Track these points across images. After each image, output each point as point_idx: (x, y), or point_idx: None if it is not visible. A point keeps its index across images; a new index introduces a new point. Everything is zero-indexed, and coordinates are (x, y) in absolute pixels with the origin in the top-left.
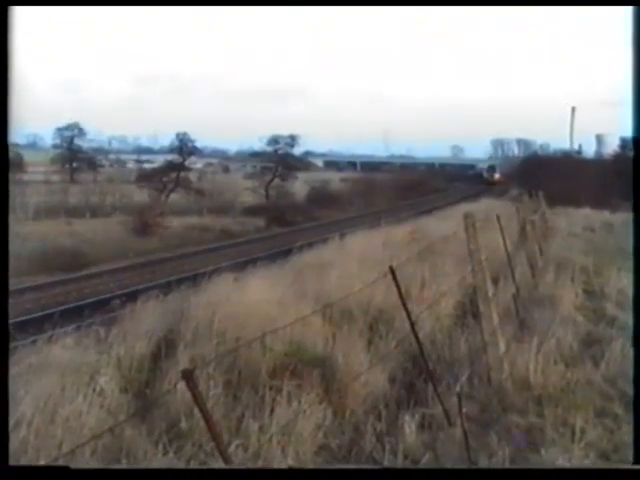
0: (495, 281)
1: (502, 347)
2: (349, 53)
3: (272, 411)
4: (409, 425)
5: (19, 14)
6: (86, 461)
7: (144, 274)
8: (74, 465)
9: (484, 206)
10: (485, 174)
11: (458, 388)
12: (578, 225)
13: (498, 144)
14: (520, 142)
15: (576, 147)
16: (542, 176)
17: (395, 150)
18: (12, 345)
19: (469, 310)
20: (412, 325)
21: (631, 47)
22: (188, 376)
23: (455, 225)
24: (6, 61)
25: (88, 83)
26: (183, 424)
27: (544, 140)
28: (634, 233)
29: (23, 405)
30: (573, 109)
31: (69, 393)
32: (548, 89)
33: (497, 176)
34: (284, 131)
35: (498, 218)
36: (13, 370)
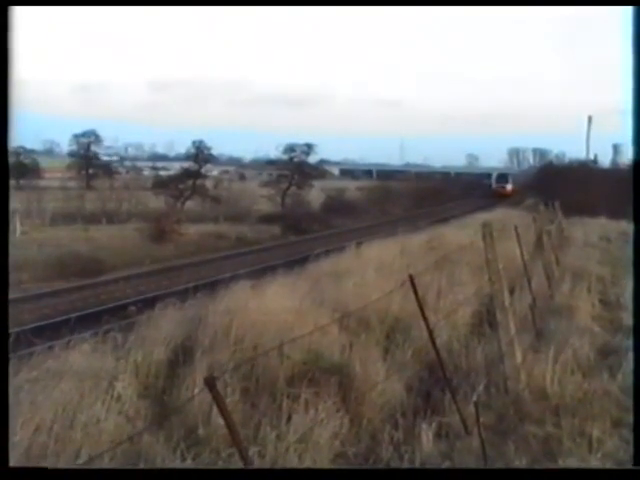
0: (511, 291)
1: (519, 357)
2: (365, 61)
3: (289, 419)
4: (426, 434)
5: (23, 15)
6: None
7: (161, 281)
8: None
9: (500, 215)
10: (494, 185)
11: (475, 397)
12: (594, 235)
13: (514, 153)
14: (536, 151)
15: (592, 156)
16: (558, 185)
17: (411, 159)
18: (30, 350)
19: (486, 319)
20: (430, 334)
21: (631, 47)
22: (211, 383)
23: (472, 234)
24: (6, 61)
25: (105, 90)
26: (201, 431)
27: (560, 149)
28: (634, 240)
29: (42, 410)
30: (590, 118)
31: (87, 399)
32: (565, 98)
33: (509, 187)
34: (299, 139)
35: (515, 228)
36: (31, 375)
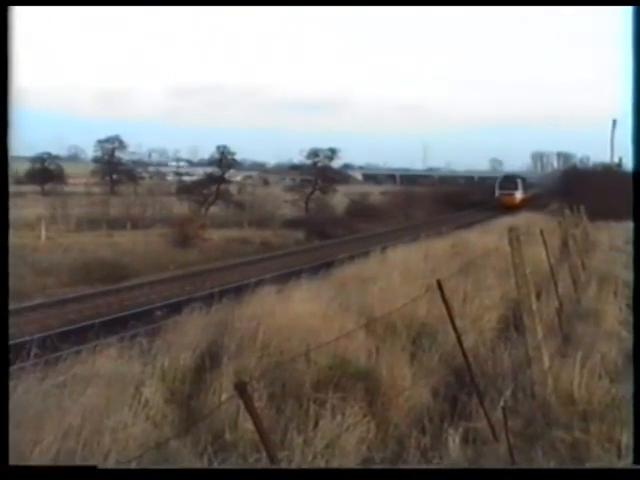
0: (538, 295)
1: (546, 362)
2: (388, 65)
3: (316, 424)
4: (453, 439)
5: (48, 22)
6: None
7: (185, 286)
8: None
9: (525, 220)
10: (498, 192)
11: (502, 402)
12: (620, 239)
13: (538, 157)
14: (560, 155)
15: (616, 160)
16: (583, 189)
17: (434, 163)
18: (56, 355)
19: (512, 324)
20: (459, 338)
21: (631, 47)
22: (242, 388)
23: (496, 239)
24: (6, 61)
25: (129, 95)
26: (228, 436)
27: (584, 153)
28: (634, 241)
29: (70, 415)
30: (614, 122)
31: (114, 404)
32: (589, 101)
33: (518, 195)
34: (322, 143)
35: (541, 232)
36: (58, 379)
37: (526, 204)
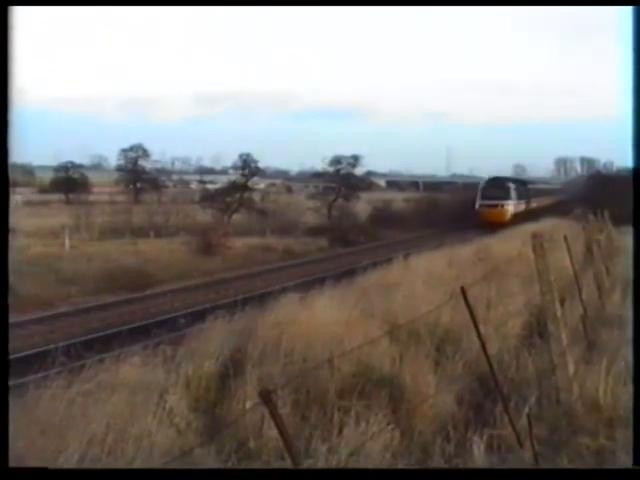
0: (562, 301)
1: (571, 368)
2: (410, 73)
3: (340, 432)
4: (478, 446)
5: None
6: None
7: (209, 294)
8: None
9: (549, 225)
10: (479, 203)
11: (527, 409)
12: None
13: (561, 163)
14: (583, 160)
15: None
16: (607, 195)
17: (457, 170)
18: (81, 363)
19: (536, 330)
20: (483, 346)
21: (631, 47)
22: (267, 397)
23: (520, 245)
24: (6, 61)
25: (152, 104)
26: (252, 444)
27: (608, 158)
28: (634, 241)
29: (94, 423)
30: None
31: (139, 412)
32: (613, 106)
33: (510, 207)
34: (345, 151)
35: (565, 238)
36: (83, 388)
37: (523, 218)
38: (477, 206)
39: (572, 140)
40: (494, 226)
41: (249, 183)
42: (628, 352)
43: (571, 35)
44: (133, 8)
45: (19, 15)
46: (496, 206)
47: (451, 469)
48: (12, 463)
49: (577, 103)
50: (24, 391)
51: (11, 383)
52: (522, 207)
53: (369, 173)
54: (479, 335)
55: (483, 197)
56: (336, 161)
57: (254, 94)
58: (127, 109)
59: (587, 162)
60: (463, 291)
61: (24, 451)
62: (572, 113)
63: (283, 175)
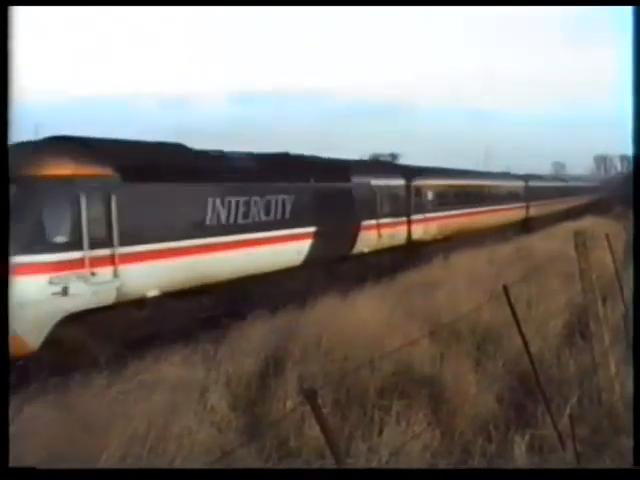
0: (603, 300)
1: (612, 368)
2: (449, 70)
3: (381, 431)
4: (519, 447)
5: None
6: None
7: (248, 292)
8: None
9: (588, 224)
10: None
11: (569, 409)
12: None
13: (601, 160)
14: (623, 158)
15: None
16: None
17: (495, 167)
18: (124, 362)
19: (577, 330)
20: (526, 345)
21: (631, 47)
22: (312, 396)
23: (560, 243)
24: (6, 61)
25: (191, 102)
26: (292, 442)
27: None
28: (634, 237)
29: (136, 421)
30: None
31: (180, 410)
32: None
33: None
34: (383, 148)
35: (607, 236)
36: (125, 387)
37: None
38: None
39: (612, 138)
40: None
41: None
42: None
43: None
44: (168, 8)
45: (55, 16)
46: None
47: (451, 469)
48: None
49: (619, 101)
50: None
51: None
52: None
53: None
54: (521, 334)
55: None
56: (375, 158)
57: (290, 92)
58: (164, 108)
59: (627, 160)
60: (505, 290)
61: None
62: (612, 111)
63: None
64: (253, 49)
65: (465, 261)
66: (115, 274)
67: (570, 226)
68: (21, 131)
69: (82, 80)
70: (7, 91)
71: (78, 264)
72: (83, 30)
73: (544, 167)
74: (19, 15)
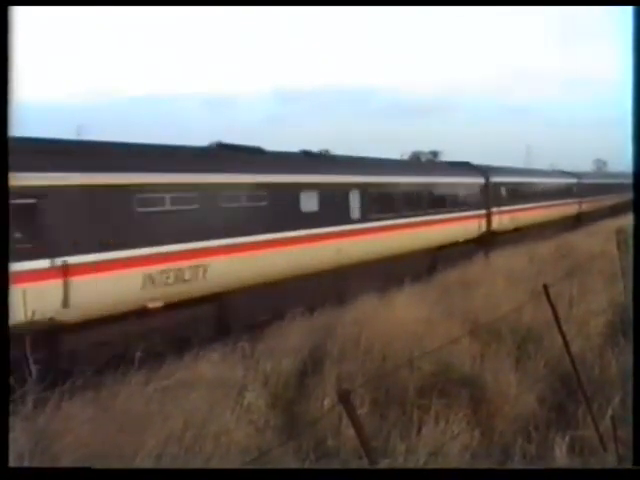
0: None
1: None
2: (489, 68)
3: (419, 431)
4: (560, 448)
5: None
6: None
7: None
8: None
9: (628, 222)
10: None
11: (611, 411)
12: None
13: None
14: None
15: None
16: None
17: (537, 164)
18: (161, 360)
19: (620, 329)
20: (567, 345)
21: (631, 47)
22: (345, 398)
23: (602, 241)
24: (6, 61)
25: (233, 101)
26: (330, 442)
27: None
28: (634, 235)
29: (172, 420)
30: None
31: (217, 408)
32: None
33: None
34: (425, 146)
35: None
36: (162, 384)
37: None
38: None
39: None
40: None
41: None
42: None
43: None
44: (209, 7)
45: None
46: None
47: (451, 469)
48: None
49: None
50: None
51: None
52: None
53: None
54: (562, 334)
55: None
56: (415, 156)
57: (333, 91)
58: (209, 107)
59: None
60: (546, 289)
61: None
62: None
63: None
64: (296, 48)
65: (505, 260)
66: None
67: (611, 224)
68: (62, 132)
69: (127, 80)
70: (7, 91)
71: None
72: (127, 31)
73: (586, 164)
74: (47, 16)
